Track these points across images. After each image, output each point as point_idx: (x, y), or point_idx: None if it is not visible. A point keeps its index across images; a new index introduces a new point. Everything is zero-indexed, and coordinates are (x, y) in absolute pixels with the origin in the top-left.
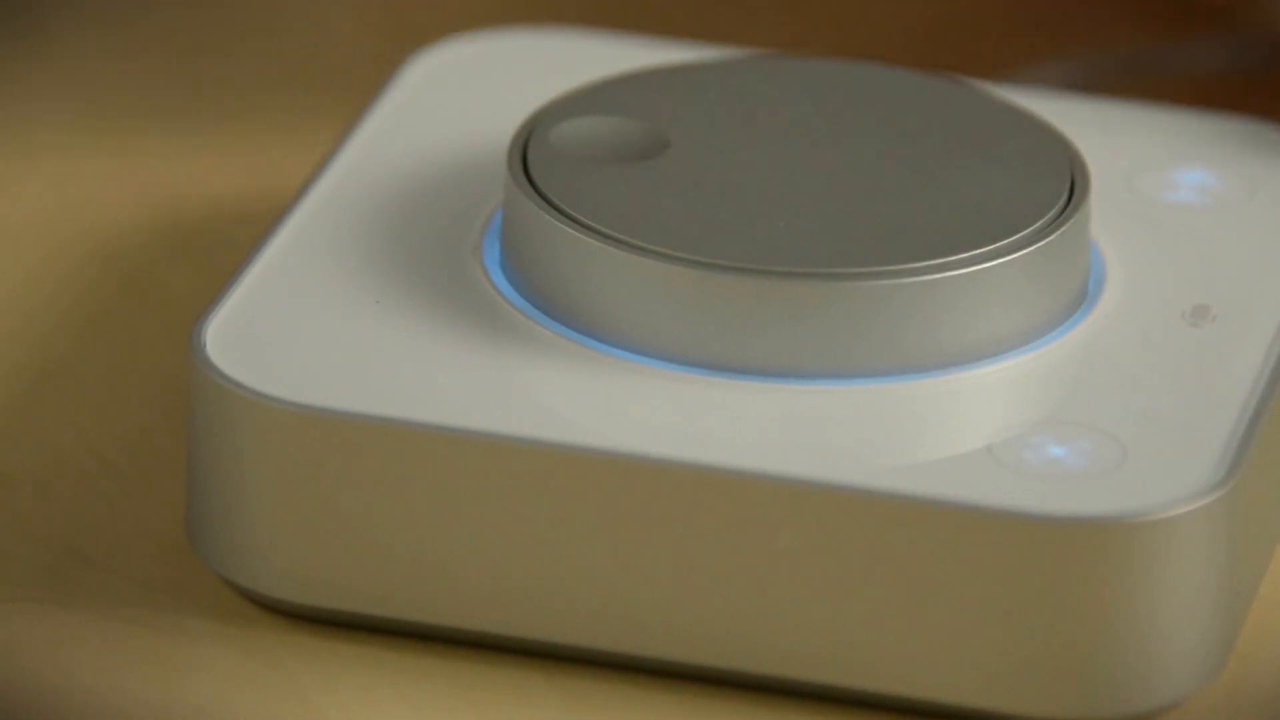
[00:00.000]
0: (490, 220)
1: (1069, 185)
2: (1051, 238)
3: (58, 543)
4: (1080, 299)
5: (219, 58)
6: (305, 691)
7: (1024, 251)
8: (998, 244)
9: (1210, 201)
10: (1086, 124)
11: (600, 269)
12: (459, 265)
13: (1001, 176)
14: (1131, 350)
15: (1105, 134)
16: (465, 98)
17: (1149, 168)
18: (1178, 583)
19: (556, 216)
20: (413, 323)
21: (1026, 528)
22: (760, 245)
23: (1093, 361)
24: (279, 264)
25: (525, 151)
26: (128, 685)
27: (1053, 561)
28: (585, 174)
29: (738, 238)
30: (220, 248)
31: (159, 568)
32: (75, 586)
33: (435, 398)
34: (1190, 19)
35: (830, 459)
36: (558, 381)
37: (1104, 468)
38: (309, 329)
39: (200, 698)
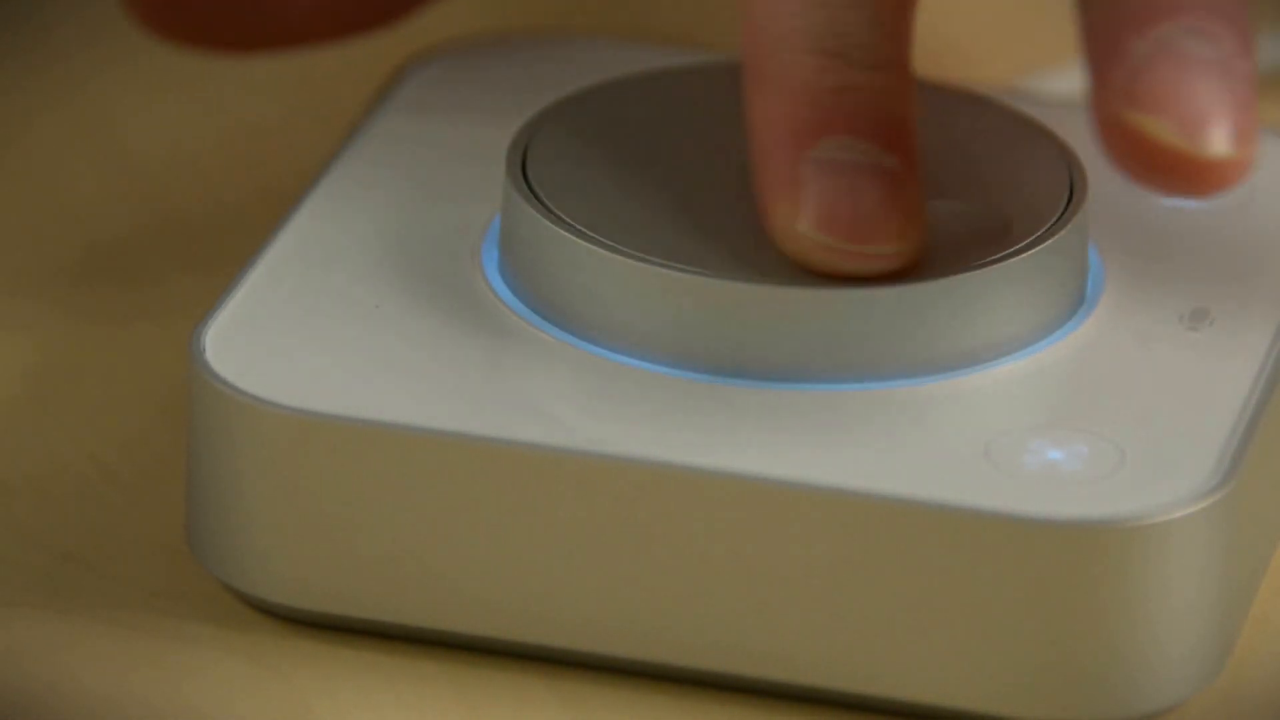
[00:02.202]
0: (489, 225)
1: (1068, 189)
2: (1050, 242)
3: (57, 548)
4: (1078, 303)
5: (219, 63)
6: (304, 696)
7: (1023, 256)
8: (998, 249)
9: (1208, 205)
10: (1084, 129)
11: (599, 274)
12: (458, 271)
13: (1000, 181)
14: (1129, 354)
15: None
16: (463, 103)
17: None
18: (1175, 586)
19: (555, 222)
20: (412, 328)
21: (1024, 531)
22: (757, 251)
23: (1091, 365)
24: (278, 269)
25: (524, 156)
26: (127, 690)
27: (1050, 565)
28: (584, 180)
29: (734, 243)
30: (219, 253)
31: (158, 573)
32: (75, 592)
33: (435, 403)
34: None
35: (828, 463)
36: (556, 386)
37: (1101, 471)
38: (308, 334)
39: (199, 702)
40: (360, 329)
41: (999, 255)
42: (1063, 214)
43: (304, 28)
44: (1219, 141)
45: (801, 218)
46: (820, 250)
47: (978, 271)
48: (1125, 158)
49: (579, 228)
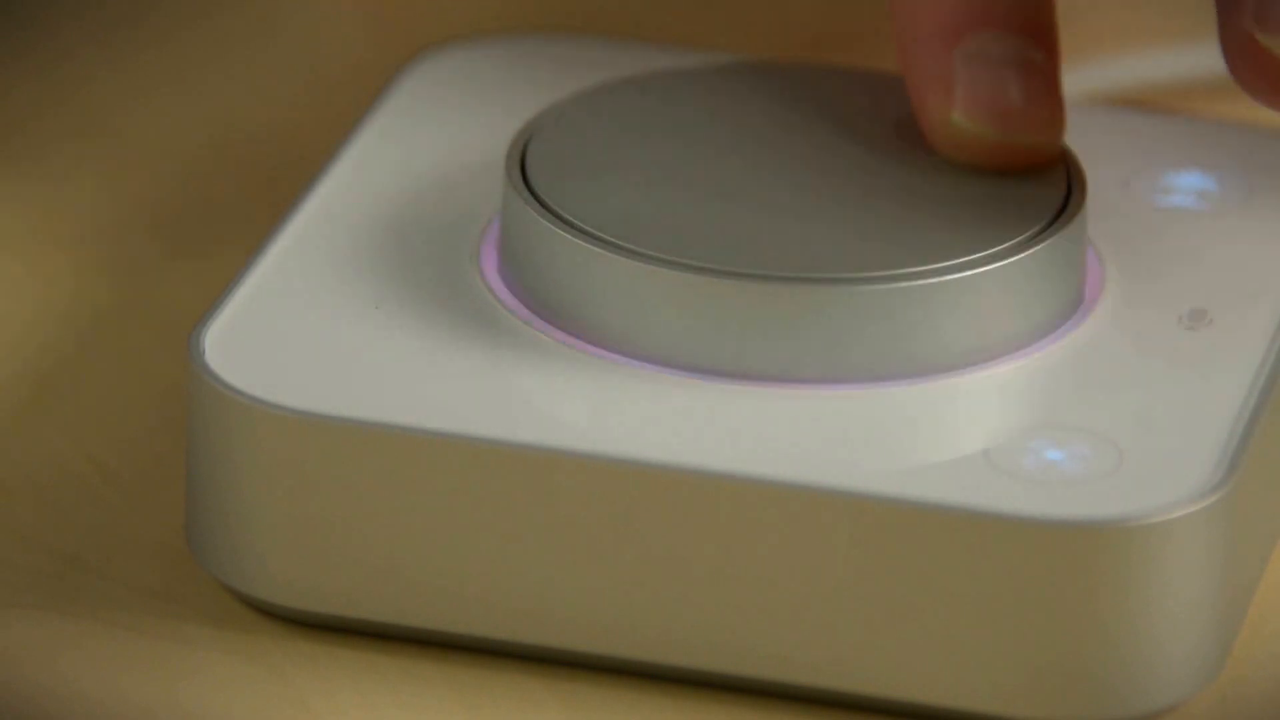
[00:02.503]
0: (488, 226)
1: (1066, 189)
2: (1048, 242)
3: (56, 549)
4: (1077, 303)
5: (220, 62)
6: (303, 696)
7: (1021, 256)
8: (995, 248)
9: (1207, 205)
10: (1083, 128)
11: (598, 274)
12: (457, 271)
13: (998, 181)
14: (1128, 354)
15: (1102, 138)
16: (464, 103)
17: (1145, 172)
18: (1175, 586)
19: (554, 222)
20: (411, 328)
21: (1024, 532)
22: (756, 250)
23: (1090, 365)
24: (278, 269)
25: (523, 157)
26: (126, 691)
27: (1050, 565)
28: (583, 180)
29: (734, 242)
30: (219, 253)
31: (158, 574)
32: (74, 593)
33: (433, 403)
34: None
35: (827, 464)
36: (556, 387)
37: (1101, 471)
38: (307, 335)
39: (199, 703)
40: (359, 329)
41: (998, 255)
42: (1061, 213)
43: None
44: None
45: (956, 109)
46: (973, 141)
47: (977, 271)
48: (1253, 79)
49: (578, 227)
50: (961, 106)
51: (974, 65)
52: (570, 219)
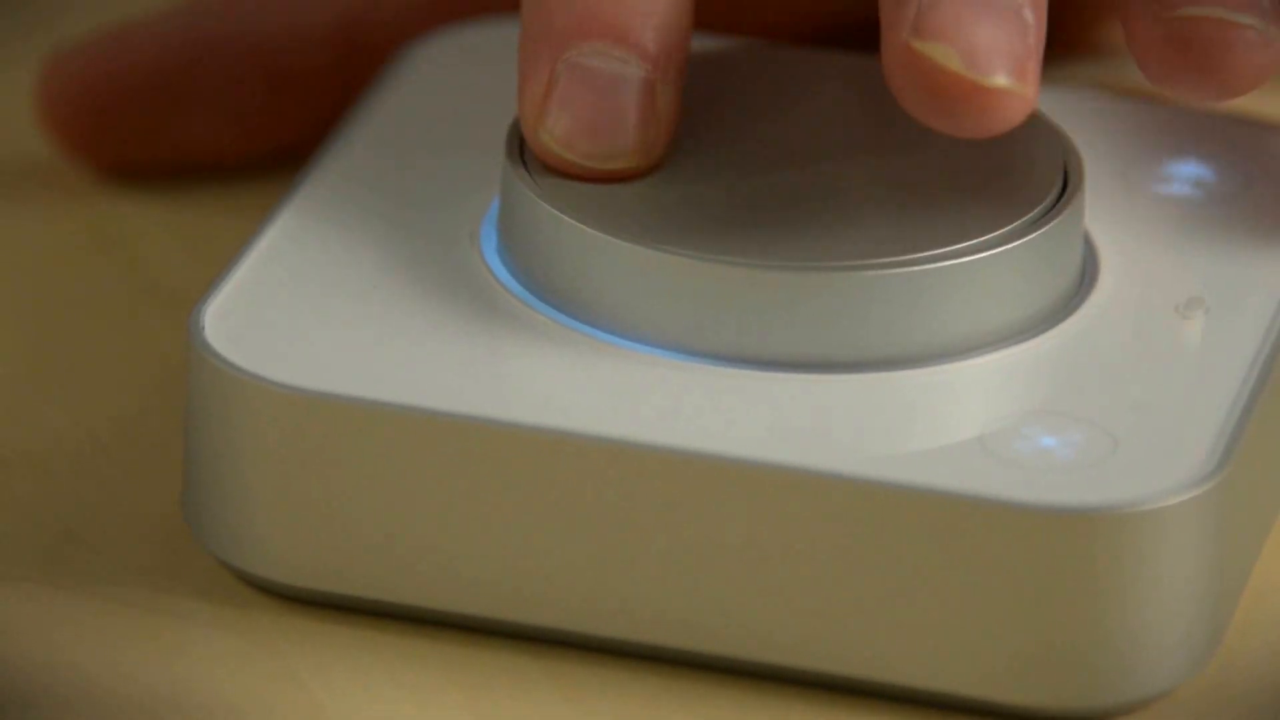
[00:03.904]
0: (488, 207)
1: (1063, 177)
2: (1045, 229)
3: (53, 525)
4: (1074, 290)
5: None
6: (299, 673)
7: (1018, 243)
8: (992, 235)
9: (1203, 194)
10: (1080, 117)
11: (597, 257)
12: (457, 252)
13: (996, 168)
14: (1124, 342)
15: (1100, 127)
16: (465, 84)
17: (1143, 160)
18: (1168, 573)
19: (553, 204)
20: (410, 308)
21: (1017, 518)
22: (753, 235)
23: (1085, 353)
24: (278, 248)
25: (523, 139)
26: (122, 667)
27: (1043, 552)
28: None
29: (731, 228)
30: (219, 231)
31: (154, 550)
32: (70, 568)
33: (432, 383)
34: None
35: (822, 448)
36: (553, 368)
37: (1095, 459)
38: (307, 313)
39: (194, 679)
40: (358, 309)
41: (995, 242)
42: (1058, 200)
43: (215, 152)
44: (1002, 72)
45: (547, 118)
46: (561, 161)
47: (974, 258)
48: (909, 87)
49: (576, 210)
50: (552, 118)
51: (572, 77)
52: (568, 201)
